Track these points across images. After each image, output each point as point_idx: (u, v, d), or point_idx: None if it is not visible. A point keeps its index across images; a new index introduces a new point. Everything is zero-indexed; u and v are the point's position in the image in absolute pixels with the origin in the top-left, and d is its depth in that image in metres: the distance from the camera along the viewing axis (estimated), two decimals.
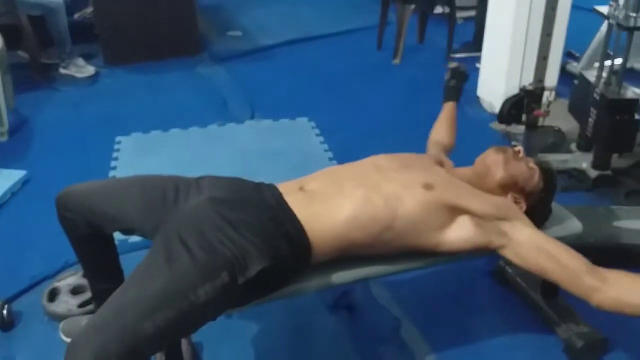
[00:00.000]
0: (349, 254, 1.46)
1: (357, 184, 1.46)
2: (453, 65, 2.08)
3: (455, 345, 1.77)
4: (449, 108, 2.04)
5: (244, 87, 3.60)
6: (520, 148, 1.65)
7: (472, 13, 4.24)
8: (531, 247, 1.44)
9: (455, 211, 1.46)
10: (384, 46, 4.16)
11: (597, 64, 2.61)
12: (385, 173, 1.51)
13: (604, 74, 2.48)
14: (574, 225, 1.70)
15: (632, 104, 2.37)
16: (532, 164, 1.62)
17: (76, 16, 4.20)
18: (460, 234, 1.46)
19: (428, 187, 1.46)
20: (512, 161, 1.59)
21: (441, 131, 1.96)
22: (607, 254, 2.06)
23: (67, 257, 1.86)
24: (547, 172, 1.64)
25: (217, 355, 1.74)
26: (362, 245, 1.43)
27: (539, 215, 1.64)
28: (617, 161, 2.54)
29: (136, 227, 1.50)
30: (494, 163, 1.59)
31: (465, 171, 1.63)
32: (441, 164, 1.66)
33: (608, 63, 2.46)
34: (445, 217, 1.45)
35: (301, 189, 1.48)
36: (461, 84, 2.08)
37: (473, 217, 1.47)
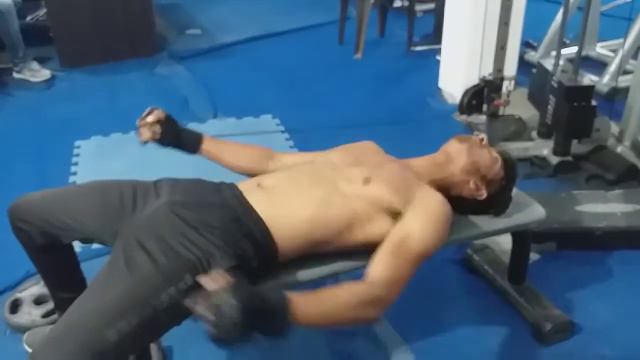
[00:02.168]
0: (315, 251, 1.45)
1: (314, 182, 1.45)
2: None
3: (426, 335, 1.78)
4: (210, 145, 1.65)
5: (205, 86, 3.55)
6: (484, 136, 1.68)
7: (431, 5, 4.28)
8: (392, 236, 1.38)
9: (382, 206, 1.42)
10: (345, 41, 4.16)
11: (553, 53, 2.66)
12: (340, 169, 1.50)
13: (561, 62, 2.53)
14: (537, 212, 1.73)
15: (589, 90, 2.42)
16: (494, 153, 1.64)
17: (28, 18, 4.07)
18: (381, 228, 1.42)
19: (366, 181, 1.45)
20: (476, 148, 1.61)
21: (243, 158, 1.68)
22: (571, 238, 2.11)
23: (28, 266, 1.80)
24: (508, 161, 1.66)
25: (187, 358, 1.71)
26: (326, 242, 1.42)
27: (499, 203, 1.67)
28: (577, 147, 2.59)
29: (94, 235, 1.47)
30: (458, 150, 1.60)
31: (421, 160, 1.62)
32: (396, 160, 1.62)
33: (564, 51, 2.51)
34: (377, 212, 1.42)
35: (259, 185, 1.46)
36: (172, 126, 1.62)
37: (395, 212, 1.42)
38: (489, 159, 1.60)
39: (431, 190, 1.49)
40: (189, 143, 1.64)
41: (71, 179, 2.62)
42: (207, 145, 1.65)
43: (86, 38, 3.85)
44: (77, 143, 2.91)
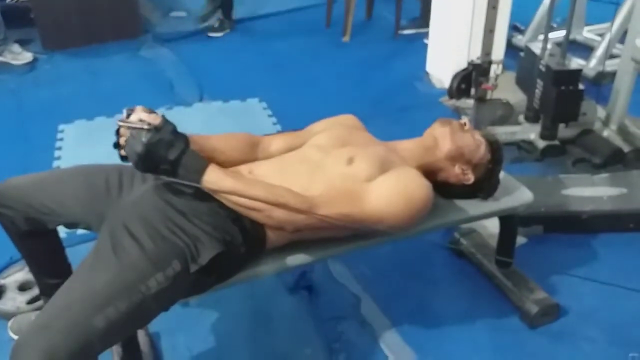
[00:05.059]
0: (304, 238, 1.43)
1: (301, 170, 1.44)
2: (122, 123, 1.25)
3: (414, 318, 1.79)
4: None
5: (191, 69, 3.50)
6: (465, 120, 1.66)
7: None
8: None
9: (363, 185, 1.40)
10: (332, 23, 4.13)
11: (541, 36, 2.66)
12: (327, 152, 1.48)
13: (548, 46, 2.53)
14: (525, 195, 1.73)
15: (576, 74, 2.43)
16: (477, 136, 1.63)
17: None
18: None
19: (350, 161, 1.44)
20: (458, 133, 1.59)
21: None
22: (557, 221, 2.13)
23: (12, 252, 1.78)
24: (493, 144, 1.65)
25: (175, 344, 1.70)
26: (313, 228, 1.40)
27: (487, 186, 1.66)
28: (564, 131, 2.60)
29: (79, 220, 1.44)
30: (440, 135, 1.59)
31: (408, 144, 1.61)
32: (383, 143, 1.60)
33: (552, 35, 2.51)
34: (360, 191, 1.39)
35: (250, 173, 1.45)
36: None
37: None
38: (472, 143, 1.59)
39: (414, 170, 1.47)
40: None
41: (55, 163, 2.58)
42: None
43: (68, 20, 3.77)
44: (60, 127, 2.87)
